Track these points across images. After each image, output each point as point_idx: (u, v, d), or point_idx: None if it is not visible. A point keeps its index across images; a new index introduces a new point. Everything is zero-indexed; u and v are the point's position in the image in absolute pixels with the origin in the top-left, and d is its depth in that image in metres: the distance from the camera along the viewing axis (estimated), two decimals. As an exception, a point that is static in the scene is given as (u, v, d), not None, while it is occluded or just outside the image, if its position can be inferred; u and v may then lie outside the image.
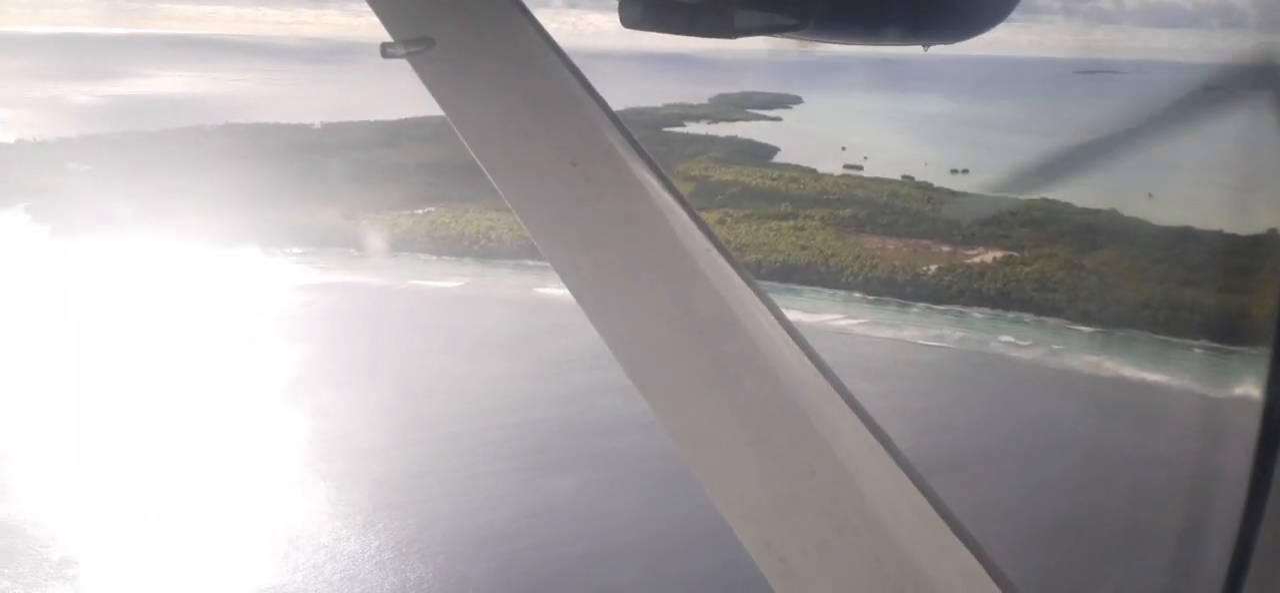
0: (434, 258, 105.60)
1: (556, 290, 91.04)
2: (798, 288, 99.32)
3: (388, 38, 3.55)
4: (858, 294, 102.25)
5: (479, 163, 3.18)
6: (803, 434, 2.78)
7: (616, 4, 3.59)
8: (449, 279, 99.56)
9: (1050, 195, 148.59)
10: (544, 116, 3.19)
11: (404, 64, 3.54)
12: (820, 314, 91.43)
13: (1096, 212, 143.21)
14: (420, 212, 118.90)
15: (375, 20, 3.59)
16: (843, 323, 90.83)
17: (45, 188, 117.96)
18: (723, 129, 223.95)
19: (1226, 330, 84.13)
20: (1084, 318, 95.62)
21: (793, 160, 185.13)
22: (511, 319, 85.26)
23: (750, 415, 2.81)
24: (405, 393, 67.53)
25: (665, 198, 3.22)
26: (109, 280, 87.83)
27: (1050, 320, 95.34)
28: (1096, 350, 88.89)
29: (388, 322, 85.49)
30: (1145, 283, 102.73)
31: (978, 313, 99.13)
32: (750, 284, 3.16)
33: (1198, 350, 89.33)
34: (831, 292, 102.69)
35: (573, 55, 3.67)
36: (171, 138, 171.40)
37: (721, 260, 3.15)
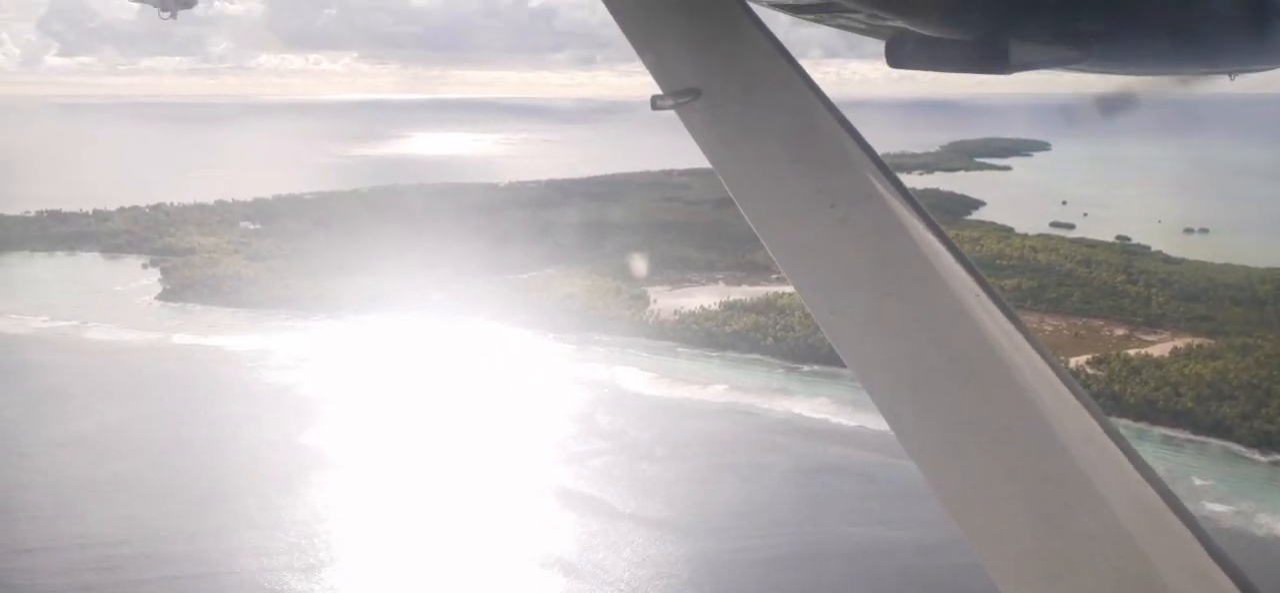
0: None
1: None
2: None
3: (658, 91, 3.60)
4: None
5: (739, 206, 3.14)
6: (1080, 494, 2.51)
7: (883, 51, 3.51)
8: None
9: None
10: (804, 160, 3.10)
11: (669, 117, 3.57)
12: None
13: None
14: (525, 275, 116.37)
15: (646, 79, 3.69)
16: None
17: (193, 245, 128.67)
18: (938, 180, 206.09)
19: None
20: (1262, 441, 72.16)
21: (992, 217, 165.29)
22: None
23: (1022, 473, 2.58)
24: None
25: (930, 241, 3.01)
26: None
27: (1213, 443, 72.41)
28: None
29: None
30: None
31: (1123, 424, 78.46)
32: (1024, 332, 2.86)
33: None
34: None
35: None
36: (376, 195, 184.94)
37: (992, 307, 2.89)
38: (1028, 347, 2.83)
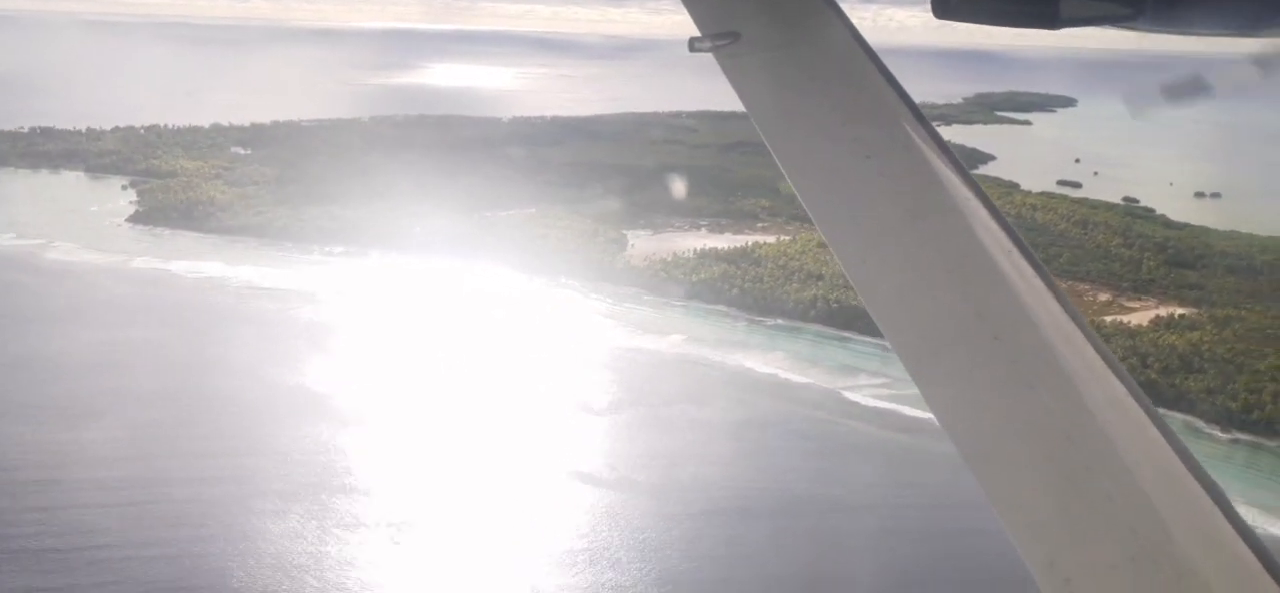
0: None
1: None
2: (851, 337, 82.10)
3: (695, 32, 3.57)
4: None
5: (772, 153, 3.10)
6: (1102, 453, 2.57)
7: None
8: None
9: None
10: (842, 109, 3.08)
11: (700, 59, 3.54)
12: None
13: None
14: (506, 214, 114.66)
15: (677, 17, 3.71)
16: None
17: (176, 169, 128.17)
18: (954, 132, 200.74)
19: None
20: (1224, 417, 69.22)
21: (1000, 173, 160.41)
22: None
23: (1044, 429, 2.61)
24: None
25: (964, 194, 2.99)
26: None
27: (1175, 416, 69.55)
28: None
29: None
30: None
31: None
32: (1053, 290, 2.88)
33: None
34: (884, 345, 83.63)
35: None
36: (376, 125, 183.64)
37: (1023, 263, 2.90)
38: (1057, 306, 2.77)
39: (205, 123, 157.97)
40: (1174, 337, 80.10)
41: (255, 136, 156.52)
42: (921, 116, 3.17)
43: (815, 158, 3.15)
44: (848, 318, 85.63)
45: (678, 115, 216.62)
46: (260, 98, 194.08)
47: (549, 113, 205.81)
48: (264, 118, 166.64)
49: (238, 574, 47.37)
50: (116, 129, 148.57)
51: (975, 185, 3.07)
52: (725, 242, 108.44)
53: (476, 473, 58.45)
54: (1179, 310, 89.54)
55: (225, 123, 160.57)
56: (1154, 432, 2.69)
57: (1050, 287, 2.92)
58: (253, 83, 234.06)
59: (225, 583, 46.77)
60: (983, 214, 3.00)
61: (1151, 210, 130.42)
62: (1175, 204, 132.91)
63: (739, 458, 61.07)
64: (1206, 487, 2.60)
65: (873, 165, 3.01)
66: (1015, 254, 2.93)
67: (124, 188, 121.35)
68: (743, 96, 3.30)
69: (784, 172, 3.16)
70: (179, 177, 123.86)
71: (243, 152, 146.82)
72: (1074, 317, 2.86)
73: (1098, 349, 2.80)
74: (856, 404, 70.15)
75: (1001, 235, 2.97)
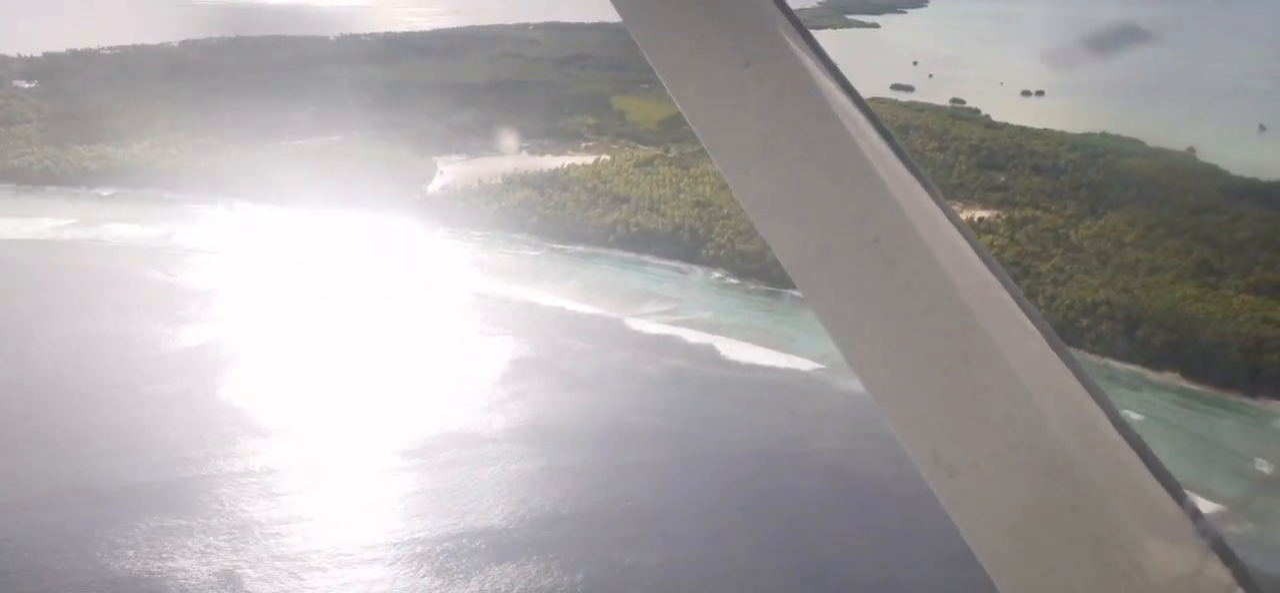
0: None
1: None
2: (648, 262, 78.81)
3: None
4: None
5: (652, 66, 3.08)
6: (979, 348, 2.70)
7: None
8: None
9: (1114, 130, 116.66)
10: (719, 16, 3.02)
11: None
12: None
13: (1170, 152, 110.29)
14: (306, 142, 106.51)
15: None
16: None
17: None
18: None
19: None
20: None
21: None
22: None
23: (923, 328, 2.74)
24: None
25: (842, 100, 3.03)
26: None
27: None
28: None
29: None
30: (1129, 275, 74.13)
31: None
32: (929, 189, 2.98)
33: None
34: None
35: None
36: (186, 49, 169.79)
37: (900, 165, 2.97)
38: (934, 207, 2.87)
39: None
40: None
41: (45, 68, 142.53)
42: (800, 24, 3.03)
43: (693, 68, 3.00)
44: (646, 242, 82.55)
45: (525, 28, 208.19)
46: (73, 23, 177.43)
47: (383, 29, 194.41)
48: (60, 46, 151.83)
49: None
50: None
51: (852, 91, 2.99)
52: (543, 164, 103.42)
53: (197, 428, 53.20)
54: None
55: (13, 52, 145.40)
56: (1023, 318, 2.75)
57: (927, 187, 2.90)
58: (68, 7, 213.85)
59: None
60: (861, 121, 2.96)
61: (977, 111, 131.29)
62: (1001, 104, 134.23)
63: (501, 404, 57.58)
64: (1073, 370, 2.68)
65: (752, 73, 2.90)
66: (892, 158, 2.92)
67: None
68: (619, 6, 3.10)
69: (664, 82, 3.00)
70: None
71: (25, 84, 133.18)
72: (950, 217, 2.87)
73: (972, 246, 2.81)
74: (638, 332, 67.31)
75: (880, 142, 2.94)
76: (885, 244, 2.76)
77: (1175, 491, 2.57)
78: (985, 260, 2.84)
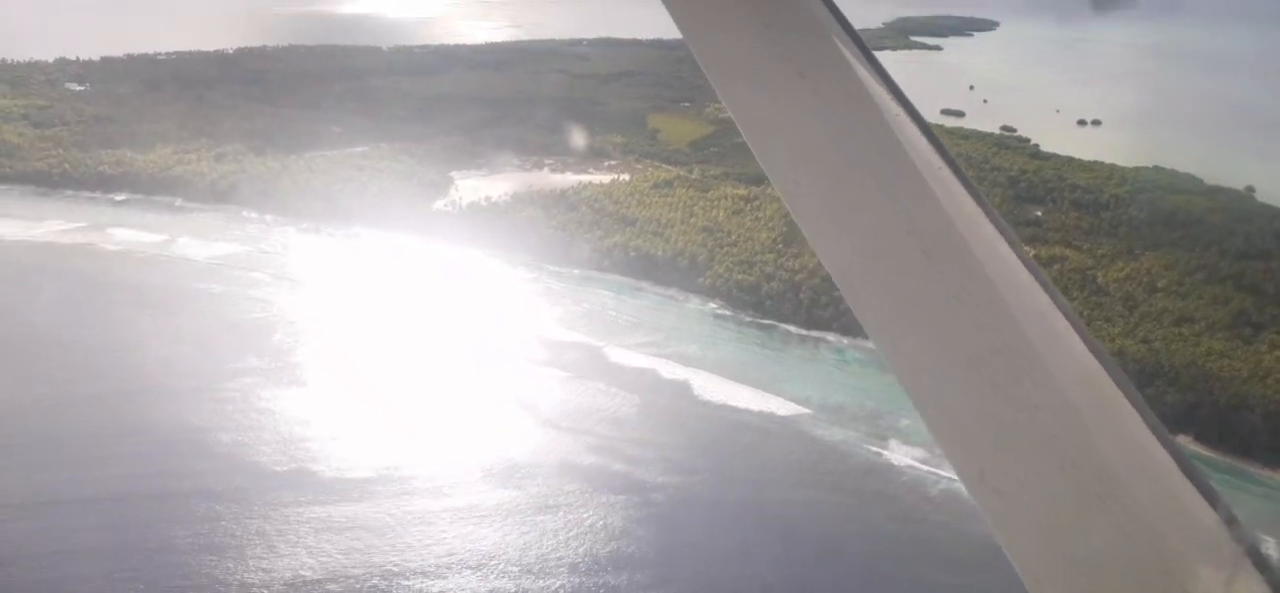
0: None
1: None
2: (645, 289, 76.24)
3: None
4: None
5: (704, 71, 3.08)
6: (1028, 367, 2.68)
7: None
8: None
9: (1170, 164, 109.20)
10: (774, 26, 3.03)
11: None
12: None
13: (1228, 191, 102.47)
14: (333, 153, 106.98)
15: None
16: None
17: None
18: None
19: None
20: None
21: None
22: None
23: (973, 343, 2.73)
24: None
25: (896, 112, 3.03)
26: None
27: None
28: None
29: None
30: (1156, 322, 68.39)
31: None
32: (981, 203, 2.95)
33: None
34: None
35: None
36: (242, 57, 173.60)
37: (952, 179, 2.96)
38: (987, 224, 2.85)
39: (50, 56, 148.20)
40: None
41: (100, 72, 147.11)
42: (855, 34, 3.08)
43: (746, 76, 3.00)
44: (645, 267, 79.82)
45: (577, 43, 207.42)
46: (143, 25, 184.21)
47: (438, 41, 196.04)
48: (118, 51, 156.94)
49: None
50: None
51: (908, 104, 2.98)
52: (561, 181, 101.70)
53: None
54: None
55: (72, 56, 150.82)
56: (1077, 342, 2.70)
57: (981, 205, 2.86)
58: (160, 12, 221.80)
59: None
60: (913, 132, 2.92)
61: (1026, 140, 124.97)
62: (1055, 133, 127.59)
63: (452, 436, 55.63)
64: (1128, 395, 2.64)
65: (805, 84, 2.91)
66: (945, 171, 2.86)
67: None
68: (672, 12, 3.11)
69: (716, 91, 3.02)
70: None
71: (77, 87, 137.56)
72: (1005, 234, 2.83)
73: (1026, 265, 2.79)
74: (616, 365, 64.68)
75: (933, 154, 2.90)
76: (935, 259, 2.71)
77: (1234, 524, 2.50)
78: (1040, 280, 2.77)
